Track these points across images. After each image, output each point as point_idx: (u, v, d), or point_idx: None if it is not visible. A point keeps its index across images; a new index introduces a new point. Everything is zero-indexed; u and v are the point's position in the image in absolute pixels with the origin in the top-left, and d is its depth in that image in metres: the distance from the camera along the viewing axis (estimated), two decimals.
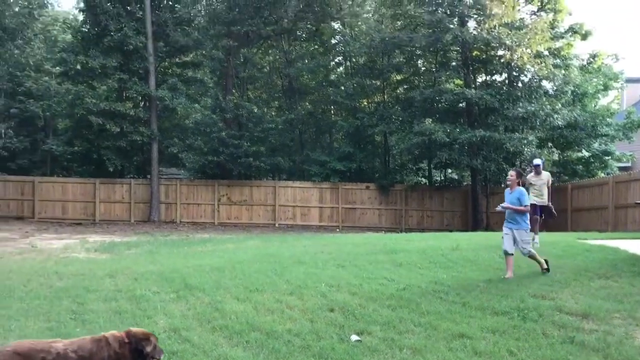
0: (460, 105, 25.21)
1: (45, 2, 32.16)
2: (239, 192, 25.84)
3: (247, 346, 5.57)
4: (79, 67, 26.02)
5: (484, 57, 25.29)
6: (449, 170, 29.15)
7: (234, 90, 27.87)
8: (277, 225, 25.16)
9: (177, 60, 28.50)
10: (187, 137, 27.12)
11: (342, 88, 28.46)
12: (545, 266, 8.71)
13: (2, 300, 7.38)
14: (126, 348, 4.06)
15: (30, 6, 29.95)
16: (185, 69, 28.41)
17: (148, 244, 15.55)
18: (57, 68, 28.51)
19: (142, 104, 27.31)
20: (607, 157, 25.82)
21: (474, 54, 25.20)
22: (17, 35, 27.10)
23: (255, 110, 26.98)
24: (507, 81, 25.79)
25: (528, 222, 8.92)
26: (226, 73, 27.92)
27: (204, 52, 27.73)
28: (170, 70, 28.55)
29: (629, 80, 31.04)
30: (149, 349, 4.13)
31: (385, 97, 28.82)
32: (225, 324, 6.28)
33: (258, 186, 26.22)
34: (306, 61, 29.87)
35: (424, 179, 29.23)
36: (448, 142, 22.91)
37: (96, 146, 25.42)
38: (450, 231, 21.16)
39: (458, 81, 26.62)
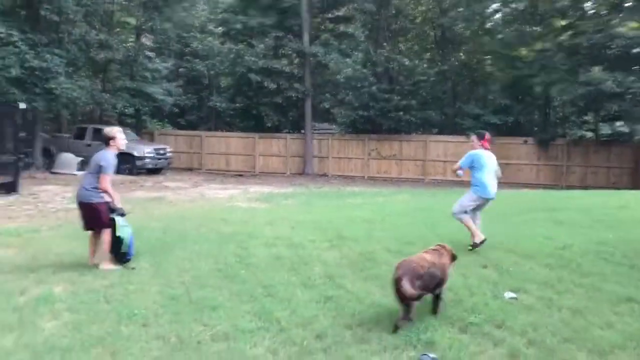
0: (635, 50, 22.68)
1: None
2: (389, 147, 25.86)
3: None
4: (239, 26, 27.34)
5: None
6: (618, 123, 26.60)
7: (385, 44, 27.61)
8: (426, 180, 24.90)
9: (329, 15, 28.81)
10: (339, 92, 27.56)
11: (499, 36, 26.91)
12: None
13: (178, 242, 8.20)
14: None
15: None
16: (337, 24, 28.65)
17: (303, 195, 16.27)
18: (220, 28, 30.24)
19: (296, 60, 28.13)
20: None
21: None
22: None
23: (407, 63, 26.55)
24: None
25: None
26: (377, 26, 27.70)
27: (355, 5, 27.68)
28: (323, 26, 28.95)
29: None
30: None
31: (548, 44, 26.74)
32: (378, 274, 6.44)
33: (408, 141, 26.02)
34: (460, 9, 28.57)
35: (589, 133, 27.03)
36: (619, 92, 20.86)
37: (255, 102, 26.80)
38: (618, 189, 19.47)
39: (634, 24, 23.88)
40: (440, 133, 27.41)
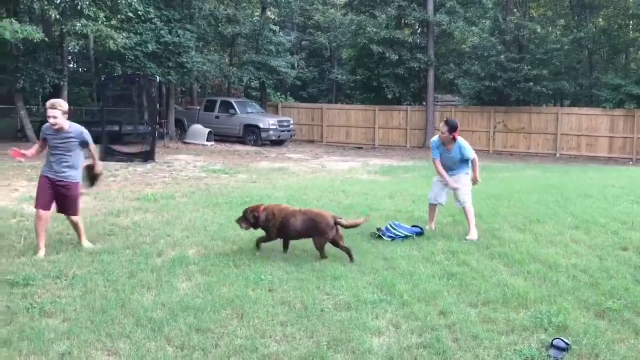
0: None
1: None
2: (517, 119, 24.58)
3: (528, 276, 5.40)
4: None
5: None
6: None
7: (515, 10, 26.10)
8: (557, 155, 23.44)
9: None
10: (464, 62, 26.57)
11: None
12: None
13: None
14: None
15: None
16: None
17: (423, 168, 15.97)
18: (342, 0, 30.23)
19: (419, 30, 27.45)
20: None
21: None
22: None
23: (539, 30, 24.93)
24: None
25: None
26: None
27: None
28: None
29: None
30: None
31: None
32: (504, 252, 6.17)
33: (538, 113, 24.56)
34: None
35: None
36: None
37: (376, 74, 26.55)
38: None
39: None
40: (573, 105, 25.63)
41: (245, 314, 4.37)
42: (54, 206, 6.16)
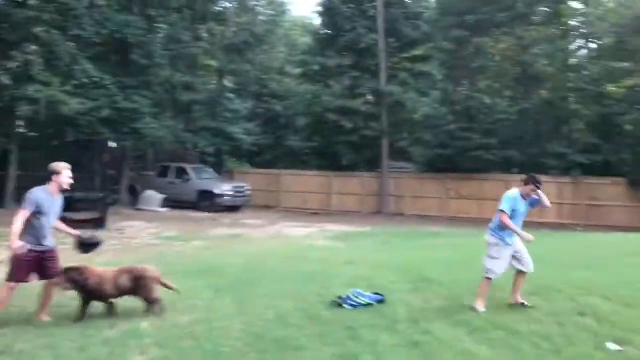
0: None
1: (286, 9, 35.18)
2: (468, 186, 25.21)
3: (492, 343, 5.36)
4: (316, 67, 27.88)
5: None
6: None
7: (463, 82, 27.28)
8: None
9: (406, 54, 28.87)
10: (416, 130, 27.32)
11: (585, 73, 26.00)
12: None
13: (260, 280, 8.20)
14: None
15: (274, 13, 33.00)
16: (414, 62, 28.62)
17: (380, 234, 16.06)
18: (297, 70, 30.97)
19: (372, 100, 28.25)
20: None
21: None
22: (263, 41, 30.00)
23: (486, 101, 26.06)
24: None
25: None
26: (456, 64, 27.45)
27: (433, 44, 27.62)
28: (400, 65, 29.01)
29: None
30: None
31: (638, 80, 25.55)
32: (466, 319, 6.14)
33: (488, 180, 25.27)
34: (542, 46, 27.86)
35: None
36: None
37: (331, 141, 26.97)
38: None
39: None
40: (521, 172, 26.40)
41: None
42: None
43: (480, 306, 6.56)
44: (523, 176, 7.28)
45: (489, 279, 6.72)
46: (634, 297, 7.04)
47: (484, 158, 24.51)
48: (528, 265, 6.84)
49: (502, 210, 6.68)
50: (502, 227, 6.67)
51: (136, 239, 13.74)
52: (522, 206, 6.81)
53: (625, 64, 25.32)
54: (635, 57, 24.68)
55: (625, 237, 15.51)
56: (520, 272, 6.87)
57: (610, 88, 26.10)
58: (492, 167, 26.43)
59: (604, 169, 24.28)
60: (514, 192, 6.86)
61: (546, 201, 6.90)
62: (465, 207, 25.14)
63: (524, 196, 6.85)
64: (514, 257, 6.84)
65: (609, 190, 23.37)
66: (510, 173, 26.80)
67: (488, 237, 6.83)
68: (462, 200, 25.21)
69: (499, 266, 6.72)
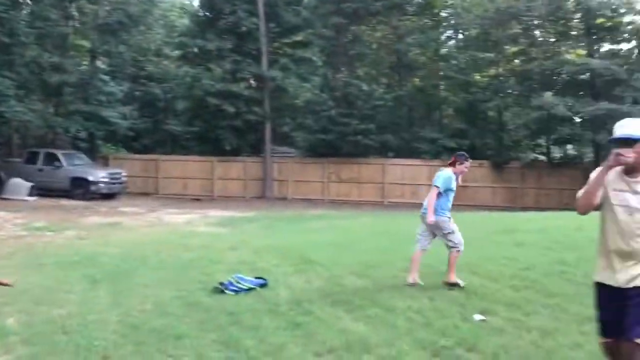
0: (583, 76, 23.64)
1: None
2: (348, 170, 25.98)
3: (369, 321, 5.58)
4: (196, 50, 27.19)
5: (609, 24, 23.47)
6: (569, 147, 27.53)
7: (342, 68, 27.92)
8: (385, 203, 25.06)
9: (287, 40, 28.97)
10: (298, 116, 27.61)
11: (454, 62, 27.62)
12: None
13: (138, 269, 7.92)
14: None
15: None
16: (295, 48, 28.80)
17: (264, 219, 16.09)
18: (176, 52, 30.01)
19: (255, 84, 28.11)
20: None
21: (598, 21, 23.45)
22: (139, 22, 28.71)
23: (364, 88, 26.87)
24: (637, 49, 23.80)
25: None
26: (335, 51, 28.01)
27: (313, 31, 27.95)
28: (281, 51, 29.08)
29: None
30: None
31: (500, 70, 27.61)
32: (346, 298, 6.34)
33: (367, 164, 26.21)
34: (415, 36, 29.22)
35: (541, 156, 27.82)
36: (569, 116, 21.61)
37: (213, 126, 26.52)
38: (571, 210, 19.98)
39: (580, 51, 24.95)
40: (398, 156, 27.71)
41: None
42: None
43: (459, 280, 6.88)
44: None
45: (459, 251, 7.04)
46: (499, 272, 7.64)
47: (363, 143, 25.34)
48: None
49: (436, 186, 7.00)
50: (443, 206, 7.01)
51: (1, 230, 12.70)
52: (454, 185, 7.18)
53: (489, 55, 27.25)
54: (498, 47, 26.61)
55: (490, 216, 16.78)
56: (423, 250, 7.28)
57: (476, 77, 27.99)
58: (370, 151, 27.42)
59: (471, 153, 25.86)
60: (448, 172, 7.14)
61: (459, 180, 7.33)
62: (346, 191, 25.90)
63: (457, 175, 7.21)
64: (422, 235, 7.24)
65: (476, 173, 25.08)
66: (388, 157, 28.02)
67: (436, 218, 6.99)
68: (342, 183, 25.93)
69: (459, 236, 7.07)
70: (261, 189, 25.94)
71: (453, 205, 7.33)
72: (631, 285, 3.30)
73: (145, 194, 25.91)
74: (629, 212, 3.27)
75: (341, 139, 25.33)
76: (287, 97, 28.53)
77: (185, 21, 31.74)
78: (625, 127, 3.26)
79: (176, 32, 31.17)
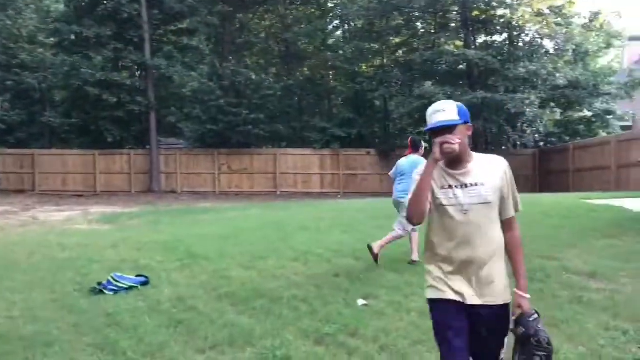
0: (461, 67, 24.93)
1: None
2: (239, 161, 25.72)
3: (254, 313, 5.53)
4: (73, 37, 25.62)
5: (484, 17, 24.93)
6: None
7: (230, 57, 27.51)
8: (278, 193, 25.11)
9: (172, 27, 28.04)
10: (185, 105, 26.89)
11: (341, 52, 28.10)
12: None
13: (6, 273, 7.34)
14: None
15: None
16: (180, 36, 27.95)
17: (150, 214, 15.52)
18: (51, 39, 28.10)
19: (138, 73, 26.98)
20: (608, 117, 25.63)
21: (473, 14, 24.82)
22: (7, 6, 26.56)
23: (253, 77, 26.68)
24: (507, 41, 25.46)
25: None
26: (222, 40, 27.53)
27: (199, 18, 27.25)
28: (165, 39, 28.10)
29: (632, 39, 30.60)
30: None
31: (385, 60, 28.47)
32: (232, 292, 6.24)
33: (258, 154, 26.09)
34: (303, 25, 29.38)
35: (425, 144, 29.02)
36: None
37: (94, 117, 25.18)
38: None
39: (458, 43, 26.27)
40: (289, 146, 27.84)
41: None
42: None
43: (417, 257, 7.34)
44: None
45: (415, 231, 7.52)
46: (383, 256, 7.83)
47: (253, 133, 25.19)
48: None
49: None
50: None
51: None
52: None
53: (374, 45, 27.99)
54: (382, 38, 27.40)
55: (375, 202, 17.28)
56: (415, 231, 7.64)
57: (363, 67, 28.67)
58: (261, 141, 27.33)
59: (359, 142, 26.73)
60: (421, 158, 7.56)
61: None
62: (238, 182, 25.66)
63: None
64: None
65: (364, 161, 25.80)
66: (280, 147, 28.08)
67: (404, 200, 7.26)
68: (234, 175, 25.65)
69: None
70: (148, 183, 25.04)
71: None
72: (482, 302, 2.75)
73: (20, 192, 24.18)
74: (462, 210, 2.71)
75: (231, 129, 24.99)
76: (172, 87, 27.68)
77: (61, 6, 29.77)
78: (443, 113, 2.68)
79: (51, 17, 29.16)
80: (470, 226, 2.70)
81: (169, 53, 25.43)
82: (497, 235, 2.78)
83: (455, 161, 2.72)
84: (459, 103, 2.74)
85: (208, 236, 9.88)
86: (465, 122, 2.72)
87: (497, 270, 2.77)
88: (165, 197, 23.23)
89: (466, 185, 2.71)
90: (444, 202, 2.73)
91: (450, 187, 2.73)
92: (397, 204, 7.89)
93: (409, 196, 2.75)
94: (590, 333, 4.63)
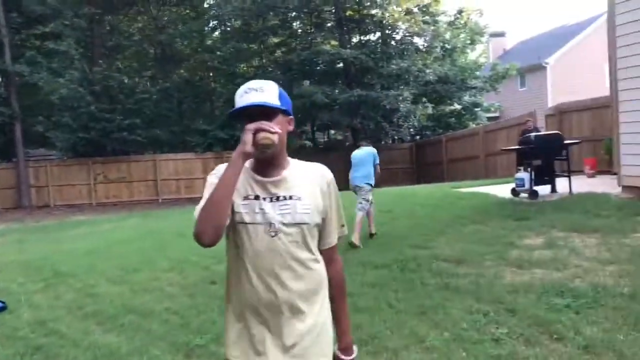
0: (338, 66, 25.44)
1: None
2: (116, 169, 24.54)
3: (122, 330, 5.23)
4: None
5: (357, 16, 25.58)
6: (332, 131, 29.53)
7: (101, 61, 26.16)
8: (160, 200, 24.27)
9: (35, 31, 26.12)
10: (54, 114, 25.22)
11: (219, 53, 27.67)
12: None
13: None
14: None
15: None
16: (44, 40, 26.10)
17: (16, 232, 14.41)
18: None
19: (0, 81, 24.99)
20: (476, 109, 27.32)
21: (347, 14, 25.41)
22: None
23: (126, 81, 25.56)
24: (380, 40, 26.32)
25: None
26: (92, 43, 26.12)
27: (65, 21, 25.62)
28: (28, 43, 26.16)
29: (493, 35, 32.86)
30: None
31: (264, 61, 28.43)
32: (99, 309, 5.88)
33: (136, 161, 25.04)
34: (178, 27, 28.58)
35: (308, 142, 29.41)
36: (328, 103, 23.10)
37: None
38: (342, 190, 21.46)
39: (334, 42, 26.79)
40: (170, 151, 26.96)
41: None
42: None
43: (357, 240, 8.09)
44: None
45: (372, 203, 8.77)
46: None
47: (130, 139, 24.13)
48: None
49: (379, 164, 9.01)
50: (373, 177, 8.80)
51: None
52: None
53: (253, 46, 27.86)
54: (260, 39, 27.32)
55: None
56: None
57: (242, 67, 28.44)
58: (139, 147, 26.27)
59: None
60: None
61: None
62: (116, 192, 24.49)
63: None
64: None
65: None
66: (162, 153, 27.09)
67: (363, 185, 8.81)
68: (111, 184, 24.44)
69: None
70: (16, 198, 23.22)
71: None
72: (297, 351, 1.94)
73: None
74: (270, 231, 1.92)
75: (105, 136, 23.77)
76: (39, 94, 25.82)
77: None
78: (260, 93, 1.94)
79: None
80: (278, 255, 1.91)
81: (32, 58, 23.70)
82: (317, 269, 2.01)
83: (268, 164, 1.97)
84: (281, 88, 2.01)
85: (77, 252, 9.30)
86: (287, 113, 1.99)
87: (319, 319, 2.00)
88: (37, 212, 21.69)
89: (278, 198, 1.93)
90: (246, 218, 1.92)
91: (257, 197, 1.94)
92: (356, 189, 8.90)
93: (201, 204, 1.87)
94: (454, 318, 4.79)
